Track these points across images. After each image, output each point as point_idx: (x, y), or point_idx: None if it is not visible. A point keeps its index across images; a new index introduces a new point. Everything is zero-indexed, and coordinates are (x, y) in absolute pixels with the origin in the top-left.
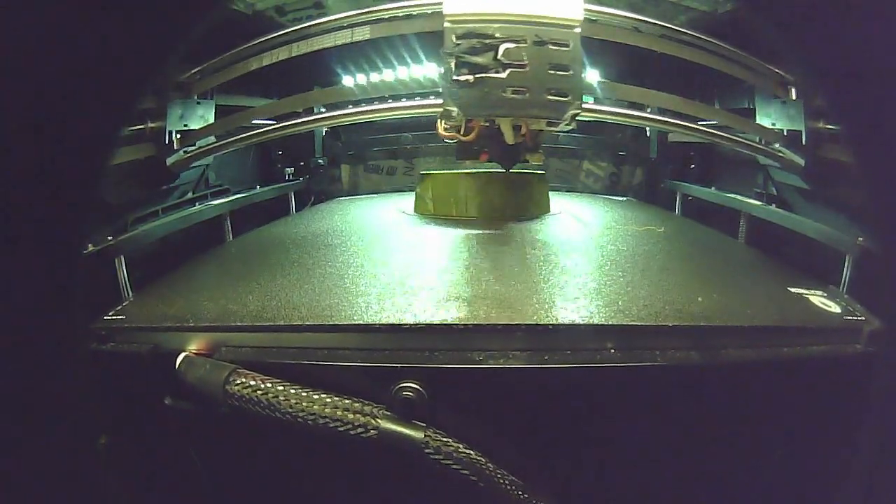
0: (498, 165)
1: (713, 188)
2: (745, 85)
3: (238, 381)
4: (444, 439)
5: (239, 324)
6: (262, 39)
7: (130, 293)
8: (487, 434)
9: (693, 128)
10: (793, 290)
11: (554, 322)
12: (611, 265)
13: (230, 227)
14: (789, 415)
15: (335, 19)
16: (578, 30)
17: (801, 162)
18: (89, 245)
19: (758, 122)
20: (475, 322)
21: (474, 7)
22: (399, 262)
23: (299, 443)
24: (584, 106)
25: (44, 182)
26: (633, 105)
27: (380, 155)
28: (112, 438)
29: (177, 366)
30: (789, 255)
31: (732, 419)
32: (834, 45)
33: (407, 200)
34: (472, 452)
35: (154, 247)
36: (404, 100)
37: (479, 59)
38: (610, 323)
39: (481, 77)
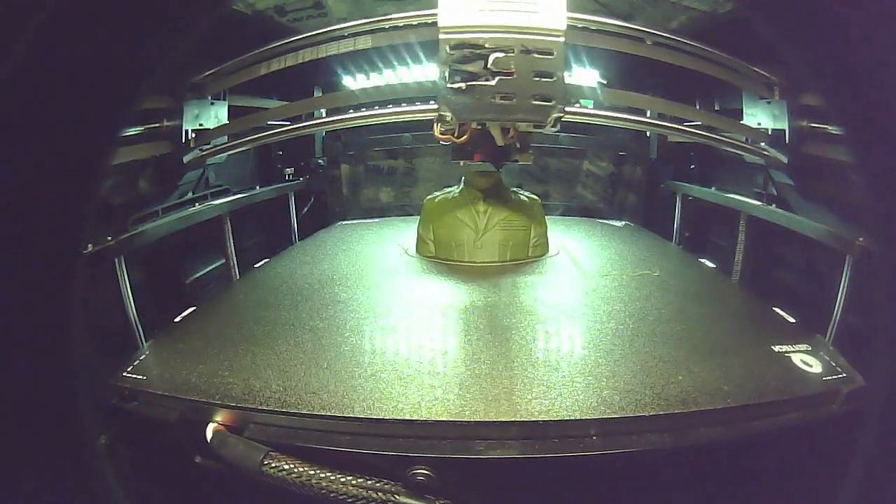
0: (500, 206)
1: (713, 188)
2: (731, 85)
3: (273, 465)
4: None
5: (265, 407)
6: (263, 49)
7: (143, 337)
8: None
9: (686, 130)
10: (776, 348)
11: (543, 419)
12: (601, 335)
13: (230, 228)
14: (770, 484)
15: (338, 28)
16: (562, 38)
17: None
18: (89, 245)
19: (746, 122)
20: (476, 419)
21: (466, 20)
22: (406, 333)
23: None
24: (583, 110)
25: (44, 182)
26: (626, 107)
27: (380, 155)
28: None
29: (208, 439)
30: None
31: (715, 495)
32: (833, 44)
33: (409, 232)
34: None
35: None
36: (403, 104)
37: (470, 68)
38: (592, 417)
39: (472, 84)
